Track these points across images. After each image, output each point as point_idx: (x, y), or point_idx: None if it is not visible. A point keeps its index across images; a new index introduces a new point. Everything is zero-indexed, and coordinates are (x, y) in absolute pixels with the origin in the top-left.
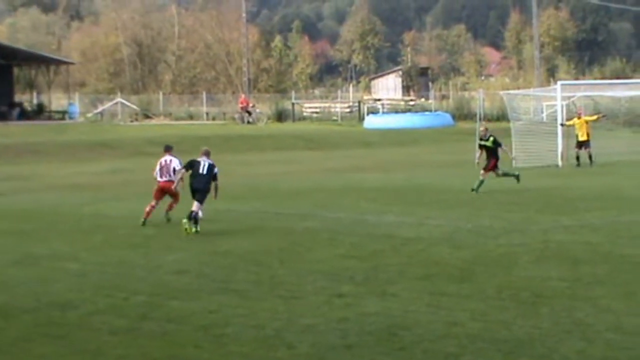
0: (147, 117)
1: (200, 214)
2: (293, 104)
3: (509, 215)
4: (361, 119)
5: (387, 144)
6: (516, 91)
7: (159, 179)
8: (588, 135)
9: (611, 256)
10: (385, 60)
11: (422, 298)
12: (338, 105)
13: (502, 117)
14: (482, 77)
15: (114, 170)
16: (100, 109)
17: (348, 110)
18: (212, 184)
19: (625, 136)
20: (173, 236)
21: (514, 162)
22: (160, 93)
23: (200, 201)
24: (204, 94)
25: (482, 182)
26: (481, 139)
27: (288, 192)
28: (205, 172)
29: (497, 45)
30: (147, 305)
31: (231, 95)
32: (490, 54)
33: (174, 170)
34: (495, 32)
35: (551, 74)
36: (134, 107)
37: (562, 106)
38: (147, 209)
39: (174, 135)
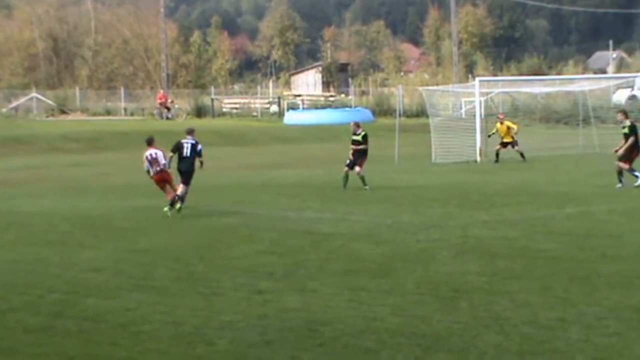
0: (63, 112)
1: (180, 192)
2: (212, 99)
3: (428, 210)
4: (281, 114)
5: (307, 140)
6: (435, 87)
7: (152, 174)
8: (512, 137)
9: (528, 251)
10: (305, 56)
11: (342, 293)
12: (258, 101)
13: (421, 113)
14: (402, 73)
15: (28, 166)
16: (14, 104)
17: (268, 106)
18: (197, 162)
19: (542, 132)
20: (89, 233)
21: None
22: (77, 88)
23: (187, 183)
24: (122, 89)
25: (346, 177)
26: (353, 134)
27: (207, 188)
28: (189, 154)
29: (416, 41)
30: (62, 303)
31: (150, 91)
32: (410, 50)
33: (164, 163)
34: (414, 28)
35: (469, 70)
36: (50, 102)
37: (480, 102)
38: (169, 197)
39: (91, 131)
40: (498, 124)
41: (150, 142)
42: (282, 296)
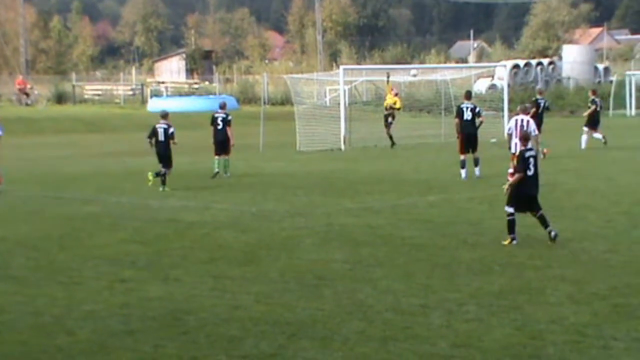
0: None
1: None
2: (74, 86)
3: (294, 198)
4: (144, 101)
5: None
6: (300, 75)
7: None
8: (393, 113)
9: (391, 238)
10: (168, 42)
11: (205, 282)
12: (121, 87)
13: (286, 101)
14: (266, 61)
15: None
16: None
17: (131, 92)
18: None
19: (405, 120)
20: None
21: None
22: None
23: (166, 165)
24: None
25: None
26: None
27: (69, 176)
28: (163, 138)
29: (280, 29)
30: None
31: (8, 77)
32: (274, 38)
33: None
34: (279, 16)
35: (334, 58)
36: None
37: (344, 90)
38: None
39: None
40: (390, 94)
41: None
42: (145, 285)
